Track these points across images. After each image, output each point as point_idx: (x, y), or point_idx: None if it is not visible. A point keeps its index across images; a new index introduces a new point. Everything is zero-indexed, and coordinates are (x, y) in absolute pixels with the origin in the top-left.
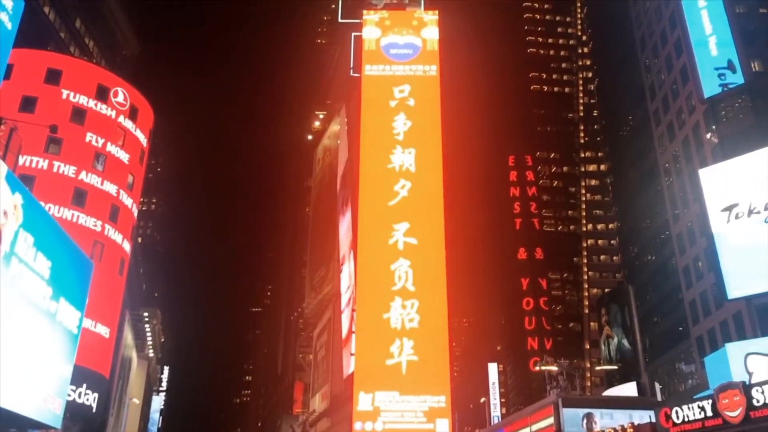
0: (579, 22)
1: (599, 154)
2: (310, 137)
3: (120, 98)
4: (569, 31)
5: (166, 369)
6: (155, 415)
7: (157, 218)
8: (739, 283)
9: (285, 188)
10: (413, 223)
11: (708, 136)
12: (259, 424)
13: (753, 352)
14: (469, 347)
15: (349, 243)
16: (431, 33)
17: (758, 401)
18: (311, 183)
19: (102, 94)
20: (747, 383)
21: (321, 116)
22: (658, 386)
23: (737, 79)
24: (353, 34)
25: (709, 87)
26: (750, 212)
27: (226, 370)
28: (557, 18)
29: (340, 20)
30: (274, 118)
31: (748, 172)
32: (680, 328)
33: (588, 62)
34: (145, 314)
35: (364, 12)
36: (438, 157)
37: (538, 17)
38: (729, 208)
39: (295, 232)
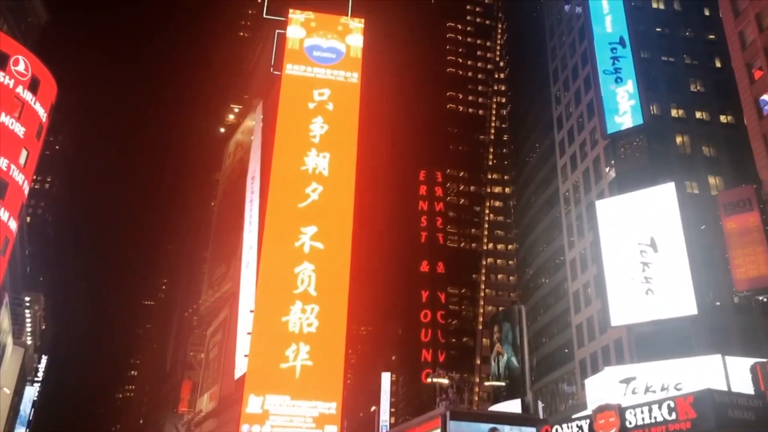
0: (498, 48)
1: (505, 177)
2: (222, 130)
3: (20, 67)
4: (488, 55)
5: (44, 358)
6: (27, 407)
7: (51, 198)
8: (621, 312)
9: (192, 180)
10: (321, 228)
11: (607, 170)
12: (141, 421)
13: (627, 378)
14: (365, 356)
15: (254, 242)
16: (356, 40)
17: (631, 423)
18: (219, 177)
19: (0, 61)
20: (622, 405)
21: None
22: (540, 404)
23: (637, 120)
24: (277, 31)
25: (612, 124)
26: (636, 246)
27: (111, 363)
28: (478, 42)
29: (265, 15)
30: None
31: (638, 207)
32: (566, 350)
33: (503, 88)
34: (27, 299)
35: (291, 10)
36: (352, 164)
37: (460, 39)
38: (618, 241)
39: (198, 226)
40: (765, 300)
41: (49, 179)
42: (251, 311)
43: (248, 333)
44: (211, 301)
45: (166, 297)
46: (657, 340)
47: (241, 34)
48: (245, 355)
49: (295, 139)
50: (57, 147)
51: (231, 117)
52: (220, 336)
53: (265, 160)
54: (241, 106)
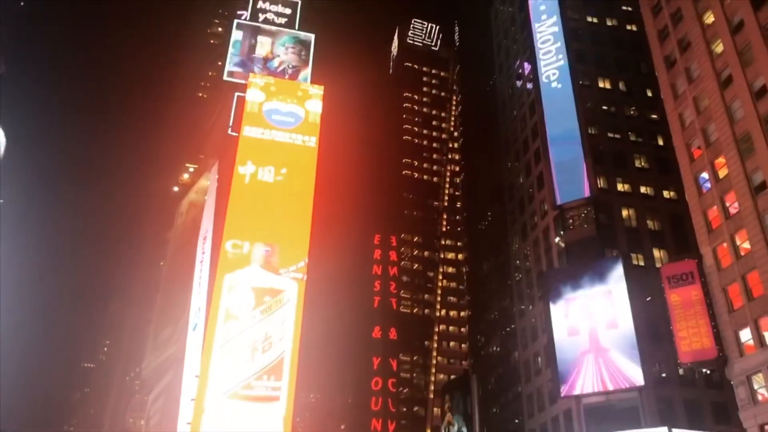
0: (453, 118)
1: (458, 244)
2: (176, 189)
3: None
4: (443, 125)
5: None
6: None
7: None
8: (570, 383)
9: (142, 238)
10: None
11: (556, 240)
12: None
13: None
14: (314, 424)
15: (203, 304)
16: (315, 106)
17: None
18: (170, 236)
19: None
20: None
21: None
22: None
23: (585, 192)
24: (236, 93)
25: (561, 196)
26: (584, 317)
27: (43, 431)
28: (433, 112)
29: (225, 78)
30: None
31: (586, 278)
32: (516, 420)
33: (457, 156)
34: None
35: (251, 74)
36: (307, 226)
37: (417, 108)
38: (566, 311)
39: (145, 285)
40: (708, 372)
41: None
42: (196, 376)
43: (192, 399)
44: (155, 364)
45: (108, 359)
46: (606, 412)
47: (200, 94)
48: (188, 423)
49: (250, 204)
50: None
51: (186, 176)
52: (163, 402)
53: (218, 220)
54: (196, 166)
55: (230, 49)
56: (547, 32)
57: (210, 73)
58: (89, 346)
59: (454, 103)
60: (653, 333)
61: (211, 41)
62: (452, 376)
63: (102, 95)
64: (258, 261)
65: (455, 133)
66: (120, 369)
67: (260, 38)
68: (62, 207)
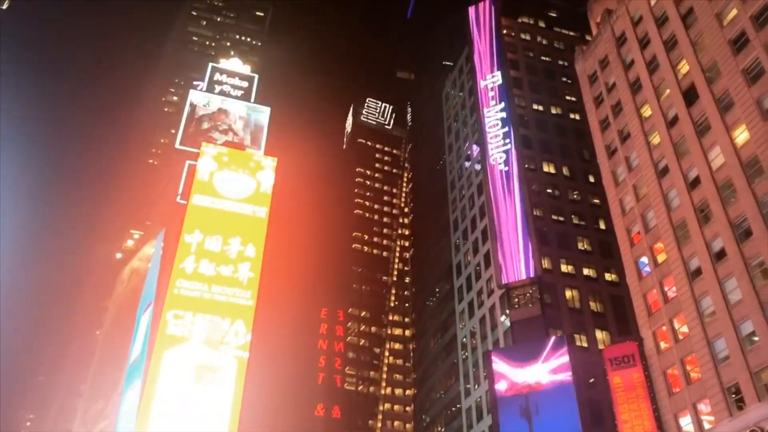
0: (403, 195)
1: (406, 320)
2: (119, 256)
3: None
4: (394, 201)
5: None
6: None
7: None
8: None
9: (78, 305)
10: None
11: (502, 318)
12: None
13: None
14: None
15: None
16: (267, 177)
17: None
18: (109, 304)
19: None
20: None
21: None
22: None
23: (530, 272)
24: (188, 162)
25: (507, 275)
26: (527, 398)
27: None
28: (385, 188)
29: (177, 146)
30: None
31: (531, 358)
32: None
33: (407, 232)
34: None
35: (203, 143)
36: (253, 298)
37: (368, 183)
38: (510, 391)
39: (79, 356)
40: None
41: None
42: None
43: None
44: None
45: None
46: None
47: (151, 161)
48: None
49: (197, 272)
50: None
51: (130, 242)
52: None
53: (162, 288)
54: (142, 232)
55: (184, 118)
56: (495, 117)
57: (162, 140)
58: (10, 422)
59: (405, 180)
60: (596, 415)
61: (165, 109)
62: None
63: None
64: (200, 335)
65: (406, 209)
66: None
67: (215, 109)
68: None
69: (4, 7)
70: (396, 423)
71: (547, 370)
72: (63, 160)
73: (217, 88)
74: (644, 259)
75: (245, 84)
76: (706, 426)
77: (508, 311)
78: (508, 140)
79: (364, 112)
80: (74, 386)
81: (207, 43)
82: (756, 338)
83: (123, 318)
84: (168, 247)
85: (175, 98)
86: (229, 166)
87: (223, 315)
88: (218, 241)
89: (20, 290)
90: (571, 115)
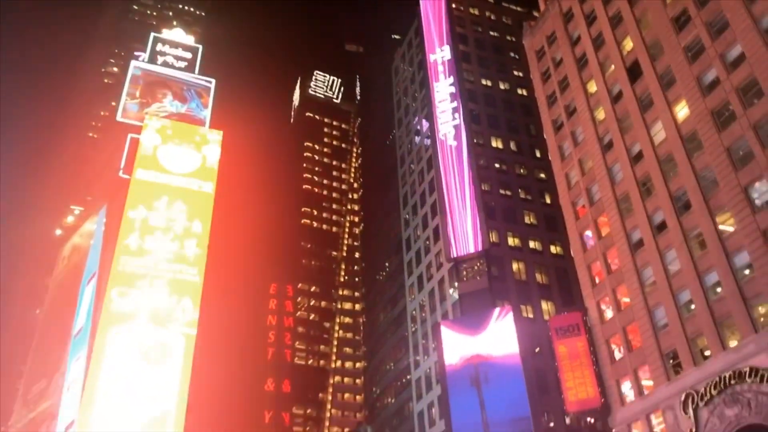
0: (352, 170)
1: (356, 294)
2: (59, 232)
3: None
4: (343, 176)
5: None
6: None
7: None
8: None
9: (15, 284)
10: None
11: (450, 291)
12: None
13: None
14: None
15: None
16: (212, 151)
17: None
18: (49, 282)
19: None
20: None
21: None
22: None
23: (478, 246)
24: (130, 135)
25: (455, 249)
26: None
27: None
28: (334, 162)
29: (118, 119)
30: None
31: (479, 328)
32: None
33: (356, 207)
34: None
35: (146, 116)
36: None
37: (317, 158)
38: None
39: (17, 335)
40: (593, 421)
41: None
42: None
43: None
44: (25, 421)
45: None
46: None
47: (91, 134)
48: None
49: (140, 245)
50: None
51: (70, 219)
52: None
53: (105, 265)
54: (82, 208)
55: (125, 90)
56: (444, 92)
57: (102, 113)
58: None
59: (354, 155)
60: (542, 383)
61: (105, 80)
62: (346, 430)
63: None
64: (146, 313)
65: (355, 185)
66: None
67: (158, 80)
68: None
69: None
70: (346, 395)
71: (495, 340)
72: None
73: (160, 59)
74: (588, 232)
75: (189, 55)
76: (645, 391)
77: (456, 284)
78: (456, 115)
79: (312, 85)
80: (13, 367)
81: (148, 12)
82: (693, 306)
83: (64, 295)
84: (110, 222)
85: (115, 69)
86: (173, 140)
87: (170, 292)
88: (163, 217)
89: None
90: (519, 91)
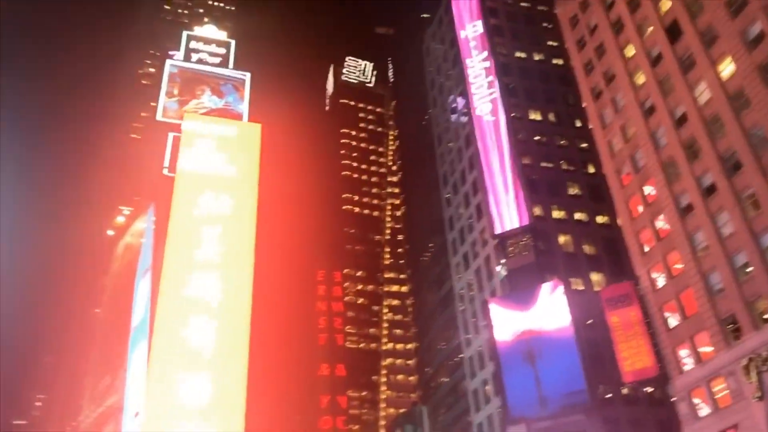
0: (390, 153)
1: (401, 276)
2: (111, 233)
3: None
4: (381, 160)
5: None
6: None
7: None
8: (519, 408)
9: (75, 285)
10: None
11: (497, 268)
12: None
13: None
14: None
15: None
16: (252, 143)
17: None
18: (106, 282)
19: None
20: None
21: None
22: None
23: (522, 220)
24: (171, 133)
25: (499, 225)
26: (528, 343)
27: None
28: (371, 147)
29: (158, 118)
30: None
31: (529, 304)
32: None
33: (396, 190)
34: None
35: (185, 114)
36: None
37: (354, 144)
38: (511, 338)
39: (81, 334)
40: (651, 391)
41: None
42: (136, 414)
43: None
44: (94, 416)
45: (42, 415)
46: None
47: (133, 135)
48: None
49: (191, 238)
50: None
51: (121, 219)
52: None
53: (157, 263)
54: (132, 208)
55: (163, 90)
56: (478, 67)
57: (143, 114)
58: (20, 403)
59: (391, 138)
60: (596, 355)
61: (143, 81)
62: (402, 410)
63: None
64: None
65: (394, 167)
66: (56, 424)
67: (194, 77)
68: None
69: None
70: (400, 376)
71: (546, 314)
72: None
73: (194, 57)
74: (635, 199)
75: (222, 50)
76: (704, 358)
77: (503, 261)
78: (492, 90)
79: (344, 71)
80: (79, 364)
81: (179, 11)
82: (749, 269)
83: (121, 293)
84: (160, 219)
85: (152, 70)
86: (213, 135)
87: (225, 283)
88: (210, 207)
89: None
90: (554, 61)
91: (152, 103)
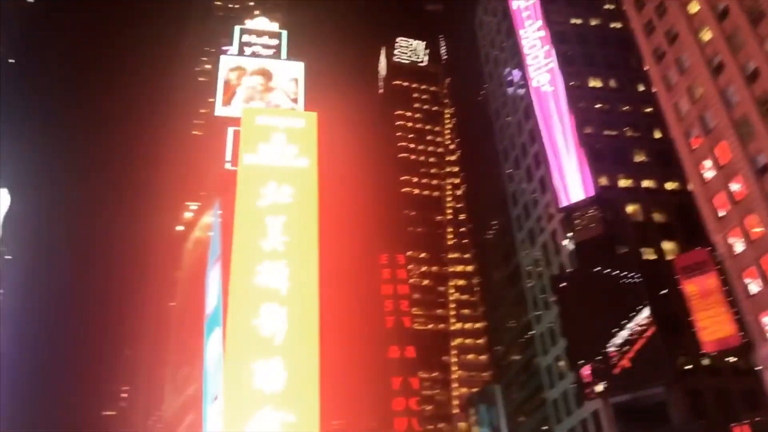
0: (447, 132)
1: (465, 256)
2: (180, 228)
3: None
4: (438, 139)
5: None
6: None
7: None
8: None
9: (148, 281)
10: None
11: (565, 242)
12: None
13: None
14: None
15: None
16: (309, 132)
17: None
18: (178, 276)
19: None
20: None
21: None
22: None
23: (588, 192)
24: (230, 128)
25: (564, 198)
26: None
27: None
28: (427, 127)
29: (216, 113)
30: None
31: (600, 278)
32: (544, 427)
33: (455, 169)
34: None
35: (243, 107)
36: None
37: (410, 125)
38: (583, 312)
39: (157, 327)
40: (734, 360)
41: (1, 291)
42: (215, 398)
43: None
44: (176, 406)
45: (128, 405)
46: (634, 410)
47: (194, 132)
48: None
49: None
50: (8, 257)
51: (189, 215)
52: None
53: (226, 255)
54: (199, 203)
55: (220, 85)
56: (532, 37)
57: (202, 111)
58: (108, 395)
59: (447, 116)
60: (673, 326)
61: (200, 78)
62: (474, 389)
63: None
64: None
65: (451, 146)
66: (141, 413)
67: (249, 71)
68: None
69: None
70: (470, 356)
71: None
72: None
73: (248, 50)
74: (707, 163)
75: (275, 42)
76: None
77: (570, 234)
78: (549, 60)
79: (396, 52)
80: (159, 356)
81: (230, 6)
82: None
83: (193, 286)
84: (226, 212)
85: (207, 66)
86: (273, 126)
87: (292, 272)
88: (273, 197)
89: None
90: (612, 24)
91: (210, 99)
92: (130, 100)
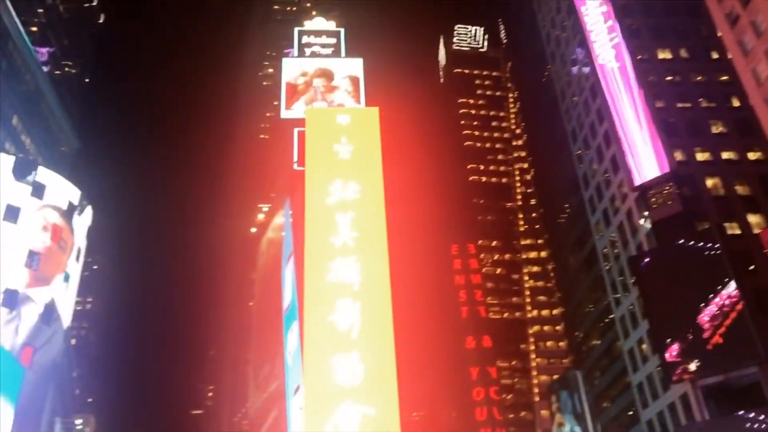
0: (512, 116)
1: (539, 241)
2: (253, 230)
3: (56, 195)
4: (503, 125)
5: None
6: None
7: (93, 318)
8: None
9: (227, 283)
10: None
11: (641, 222)
12: None
13: None
14: None
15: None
16: (373, 126)
17: None
18: (255, 276)
19: (38, 191)
20: None
21: (265, 209)
22: None
23: (663, 168)
24: (296, 129)
25: (638, 176)
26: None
27: None
28: (491, 113)
29: (282, 116)
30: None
31: (680, 256)
32: (630, 413)
33: (523, 154)
34: (78, 421)
35: (306, 108)
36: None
37: (474, 112)
38: (666, 292)
39: (238, 327)
40: None
41: (90, 299)
42: (300, 408)
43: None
44: (260, 402)
45: (214, 404)
46: (726, 392)
47: (262, 136)
48: None
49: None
50: (95, 267)
51: (261, 216)
52: None
53: (299, 253)
54: (269, 205)
55: (283, 88)
56: (594, 13)
57: (268, 114)
58: (195, 394)
59: (511, 100)
60: (762, 302)
61: (264, 83)
62: (555, 376)
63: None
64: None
65: (517, 131)
66: (227, 411)
67: (311, 71)
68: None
69: (101, 20)
70: (549, 343)
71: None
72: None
73: (307, 51)
74: None
75: (333, 40)
76: None
77: (646, 213)
78: (613, 34)
79: (455, 40)
80: (241, 355)
81: (288, 9)
82: None
83: (270, 286)
84: (296, 213)
85: (270, 70)
86: (334, 123)
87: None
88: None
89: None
90: None
91: (275, 102)
92: (200, 110)
